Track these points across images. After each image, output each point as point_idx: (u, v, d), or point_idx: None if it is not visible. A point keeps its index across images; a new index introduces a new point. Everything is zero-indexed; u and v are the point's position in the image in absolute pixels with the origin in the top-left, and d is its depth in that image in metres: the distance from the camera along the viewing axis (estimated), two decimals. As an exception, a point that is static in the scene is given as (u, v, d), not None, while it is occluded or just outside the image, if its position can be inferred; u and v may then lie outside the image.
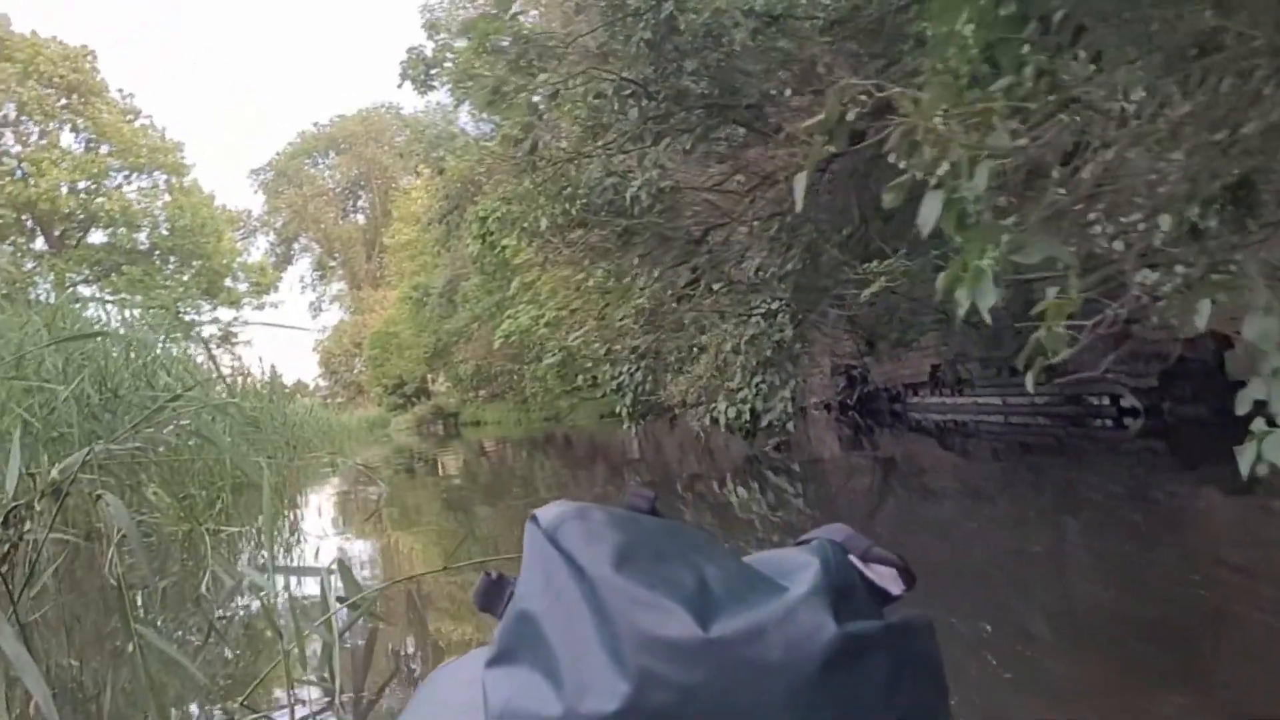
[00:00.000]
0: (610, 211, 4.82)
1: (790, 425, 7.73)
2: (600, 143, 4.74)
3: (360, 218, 62.36)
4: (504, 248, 11.75)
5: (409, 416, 41.22)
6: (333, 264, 62.48)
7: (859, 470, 8.70)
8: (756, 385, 7.77)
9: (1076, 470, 7.27)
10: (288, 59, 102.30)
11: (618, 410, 9.34)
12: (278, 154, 60.73)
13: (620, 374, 6.61)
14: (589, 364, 5.88)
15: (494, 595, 0.84)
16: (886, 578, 0.81)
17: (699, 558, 0.75)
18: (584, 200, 4.76)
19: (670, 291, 5.61)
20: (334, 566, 2.55)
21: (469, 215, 13.87)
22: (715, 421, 8.34)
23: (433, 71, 12.26)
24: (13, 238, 28.48)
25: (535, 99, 4.60)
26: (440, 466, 15.58)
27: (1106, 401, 7.95)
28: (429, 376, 40.03)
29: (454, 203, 20.99)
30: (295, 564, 6.21)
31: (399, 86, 18.61)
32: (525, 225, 5.52)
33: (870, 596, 0.79)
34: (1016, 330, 8.67)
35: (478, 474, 13.39)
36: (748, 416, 7.86)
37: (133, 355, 9.19)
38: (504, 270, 14.40)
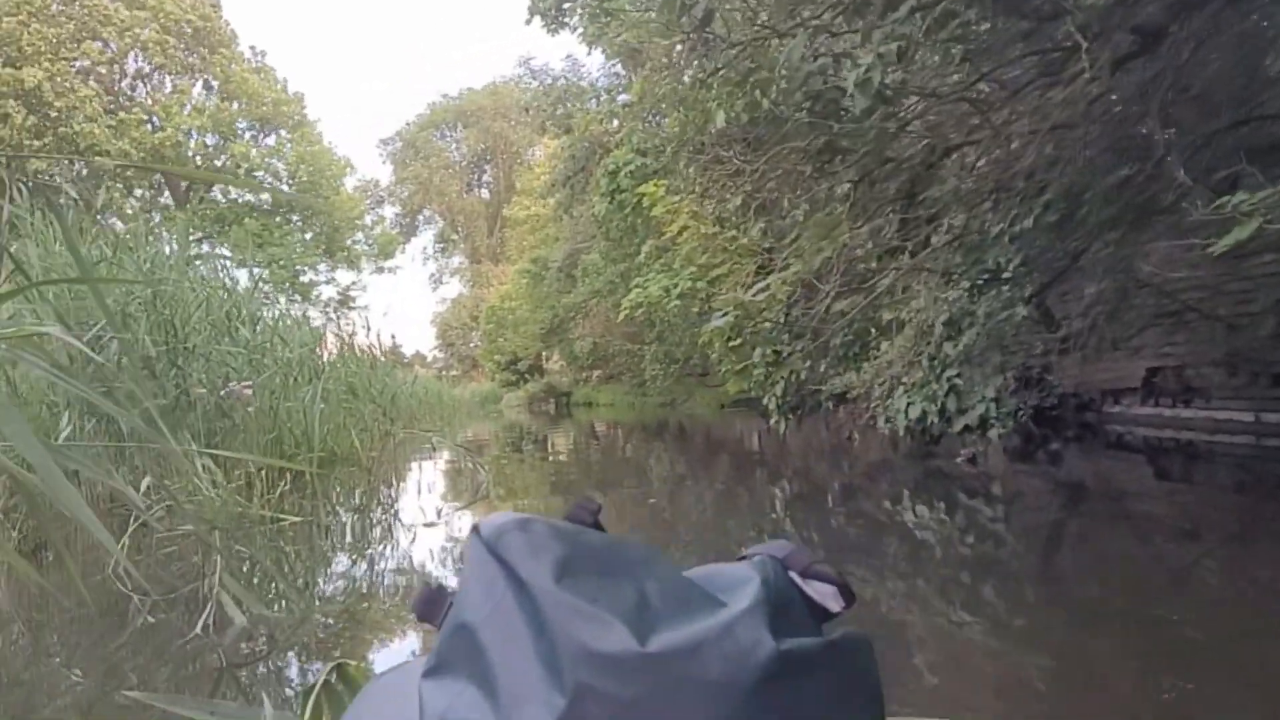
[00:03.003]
0: (813, 114, 3.31)
1: (994, 433, 6.06)
2: (803, 17, 3.24)
3: (484, 192, 62.47)
4: (640, 199, 10.34)
5: (521, 393, 40.69)
6: (455, 237, 62.75)
7: (1031, 492, 6.85)
8: (949, 380, 6.14)
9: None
10: (418, 29, 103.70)
11: (765, 401, 7.85)
12: (407, 125, 61.14)
13: (769, 356, 5.05)
14: (756, 334, 4.36)
15: (434, 605, 0.81)
16: (826, 595, 0.80)
17: (641, 572, 0.75)
18: (781, 89, 3.26)
19: (873, 243, 4.03)
20: (332, 674, 1.38)
21: (598, 172, 12.62)
22: (889, 422, 6.74)
23: (565, 5, 10.95)
24: (140, 190, 28.62)
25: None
26: (550, 447, 14.44)
27: None
28: (543, 354, 39.31)
29: (580, 163, 19.88)
30: (382, 555, 4.97)
31: (527, 23, 17.71)
32: (687, 136, 4.00)
33: (810, 613, 0.79)
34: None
35: (589, 459, 12.09)
36: (935, 419, 6.25)
37: (215, 306, 8.13)
38: (632, 236, 13.01)
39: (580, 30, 15.04)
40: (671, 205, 7.57)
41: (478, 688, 0.70)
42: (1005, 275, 4.60)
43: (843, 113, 3.41)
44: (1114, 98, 3.76)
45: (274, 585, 3.76)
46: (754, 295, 3.16)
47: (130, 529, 3.99)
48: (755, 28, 3.44)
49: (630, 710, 0.65)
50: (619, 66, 17.34)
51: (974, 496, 6.20)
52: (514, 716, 0.66)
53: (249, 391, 5.89)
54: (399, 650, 3.10)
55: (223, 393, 5.85)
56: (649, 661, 0.66)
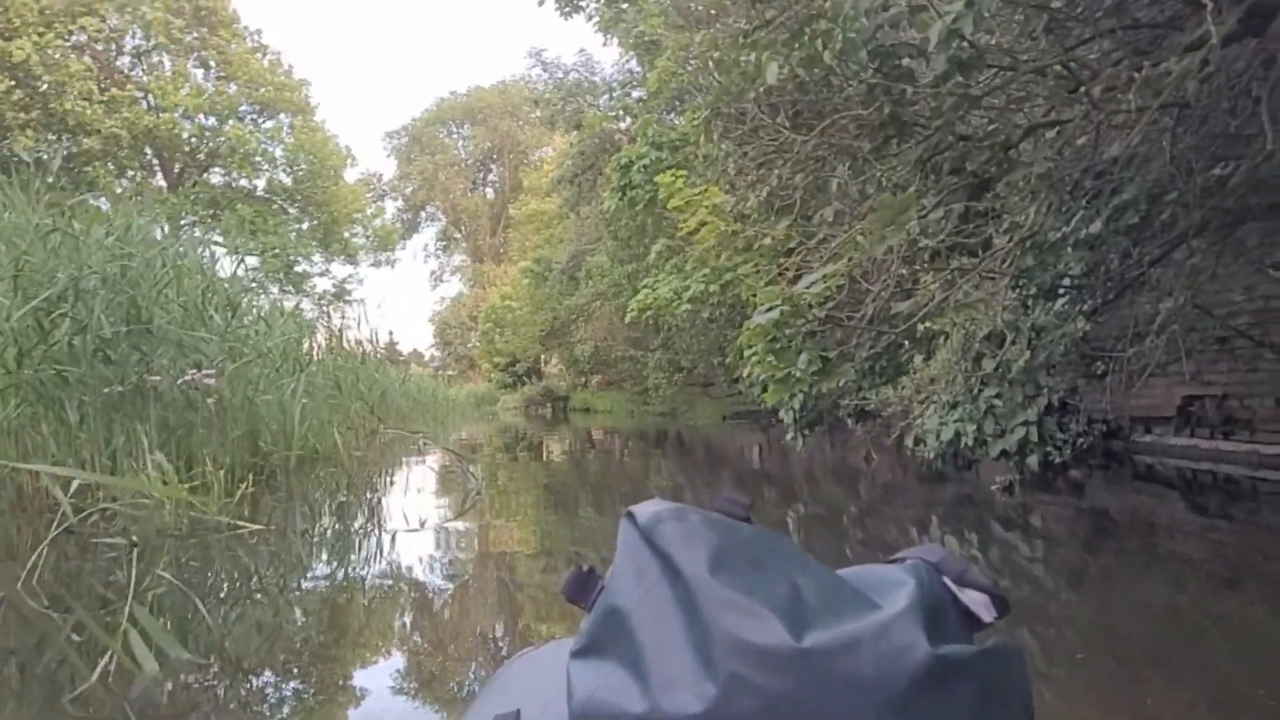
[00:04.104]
0: (880, 74, 2.74)
1: (1034, 459, 5.50)
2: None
3: (489, 191, 62.00)
4: (652, 195, 9.80)
5: (518, 396, 40.15)
6: (458, 236, 62.22)
7: (1059, 524, 6.22)
8: (988, 401, 5.58)
9: None
10: (428, 24, 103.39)
11: (782, 415, 7.29)
12: (413, 119, 60.60)
13: (815, 362, 4.45)
14: (799, 336, 3.70)
15: (584, 587, 0.82)
16: (979, 603, 0.79)
17: (793, 568, 0.75)
18: (846, 40, 2.69)
19: (928, 238, 3.44)
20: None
21: (609, 167, 12.09)
22: (919, 443, 6.18)
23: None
24: (132, 171, 27.97)
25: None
26: (545, 452, 13.94)
27: None
28: (542, 356, 38.74)
29: (589, 160, 19.32)
30: (355, 565, 4.37)
31: (539, 4, 17.16)
32: (723, 103, 3.40)
33: (962, 621, 0.78)
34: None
35: (585, 467, 11.54)
36: (970, 441, 5.69)
37: (189, 289, 7.56)
38: (641, 236, 12.45)
39: (595, 18, 14.56)
40: (690, 197, 7.01)
41: (627, 671, 0.70)
42: (1063, 285, 4.05)
43: (913, 82, 2.86)
44: (1219, 84, 3.22)
45: (215, 609, 3.16)
46: (806, 288, 2.60)
47: (51, 534, 3.40)
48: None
49: (781, 704, 0.64)
50: (633, 63, 16.84)
51: (1005, 528, 5.63)
52: (663, 702, 0.66)
53: (211, 381, 5.31)
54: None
55: (180, 382, 5.27)
56: (803, 656, 0.65)
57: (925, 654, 0.65)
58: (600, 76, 19.46)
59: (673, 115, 11.89)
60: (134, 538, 2.86)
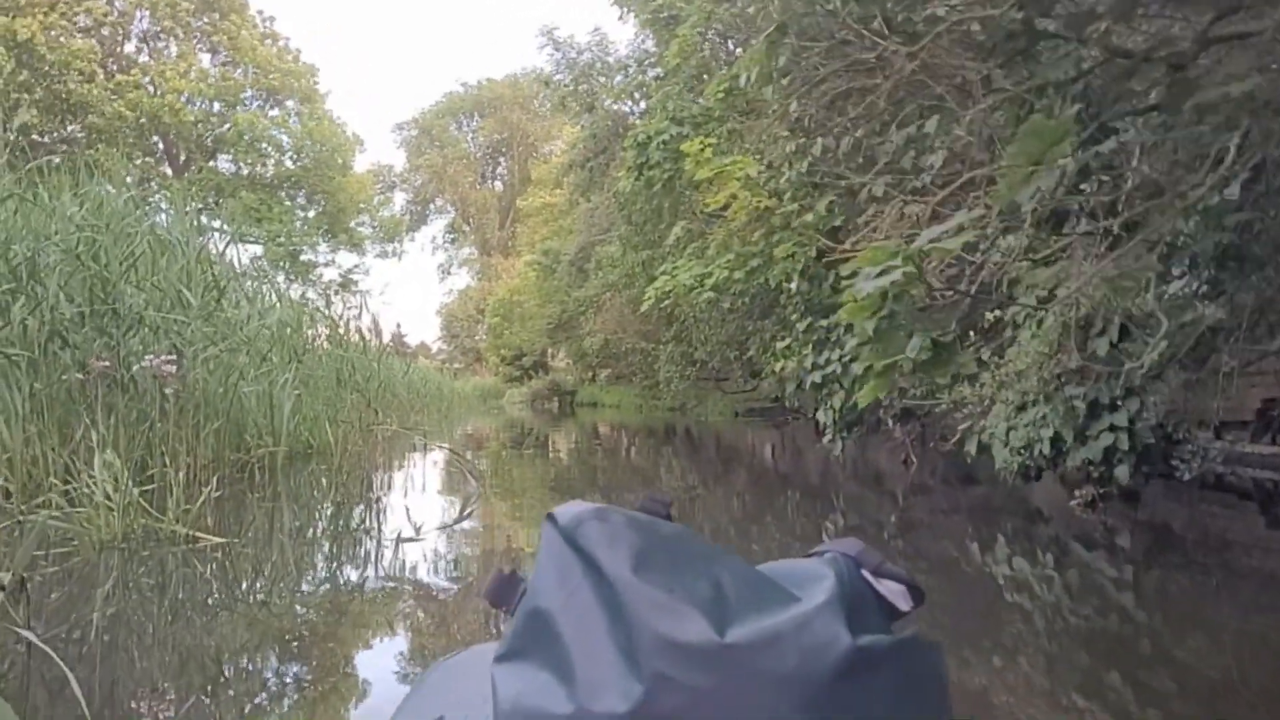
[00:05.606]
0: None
1: (1122, 470, 4.75)
2: None
3: (498, 184, 61.33)
4: (671, 176, 9.07)
5: (524, 390, 39.60)
6: (466, 229, 61.62)
7: (1125, 541, 5.45)
8: (1069, 399, 4.83)
9: None
10: (444, 13, 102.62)
11: (819, 416, 6.57)
12: (423, 111, 59.92)
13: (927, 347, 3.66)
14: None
15: (506, 591, 0.80)
16: (896, 593, 0.79)
17: (715, 564, 0.74)
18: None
19: (1040, 198, 2.67)
20: None
21: (625, 143, 11.36)
22: (984, 450, 5.43)
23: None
24: (140, 158, 27.30)
25: None
26: (551, 448, 13.38)
27: None
28: (549, 350, 38.10)
29: (601, 144, 18.59)
30: (322, 588, 3.68)
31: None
32: (793, 10, 2.64)
33: (880, 611, 0.78)
34: None
35: (593, 463, 10.90)
36: (1046, 449, 4.94)
37: (162, 263, 6.87)
38: (657, 221, 11.70)
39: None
40: (720, 168, 6.28)
41: (552, 674, 0.68)
42: (1230, 259, 3.30)
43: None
44: None
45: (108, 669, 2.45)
46: (939, 240, 1.88)
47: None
48: None
49: (706, 700, 0.63)
50: (649, 42, 16.08)
51: (1068, 545, 4.90)
52: (590, 703, 0.64)
53: (171, 369, 4.61)
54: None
55: (135, 369, 4.57)
56: (727, 652, 0.64)
57: (847, 645, 0.65)
58: (614, 57, 18.69)
59: (693, 95, 11.21)
60: (9, 575, 2.15)
